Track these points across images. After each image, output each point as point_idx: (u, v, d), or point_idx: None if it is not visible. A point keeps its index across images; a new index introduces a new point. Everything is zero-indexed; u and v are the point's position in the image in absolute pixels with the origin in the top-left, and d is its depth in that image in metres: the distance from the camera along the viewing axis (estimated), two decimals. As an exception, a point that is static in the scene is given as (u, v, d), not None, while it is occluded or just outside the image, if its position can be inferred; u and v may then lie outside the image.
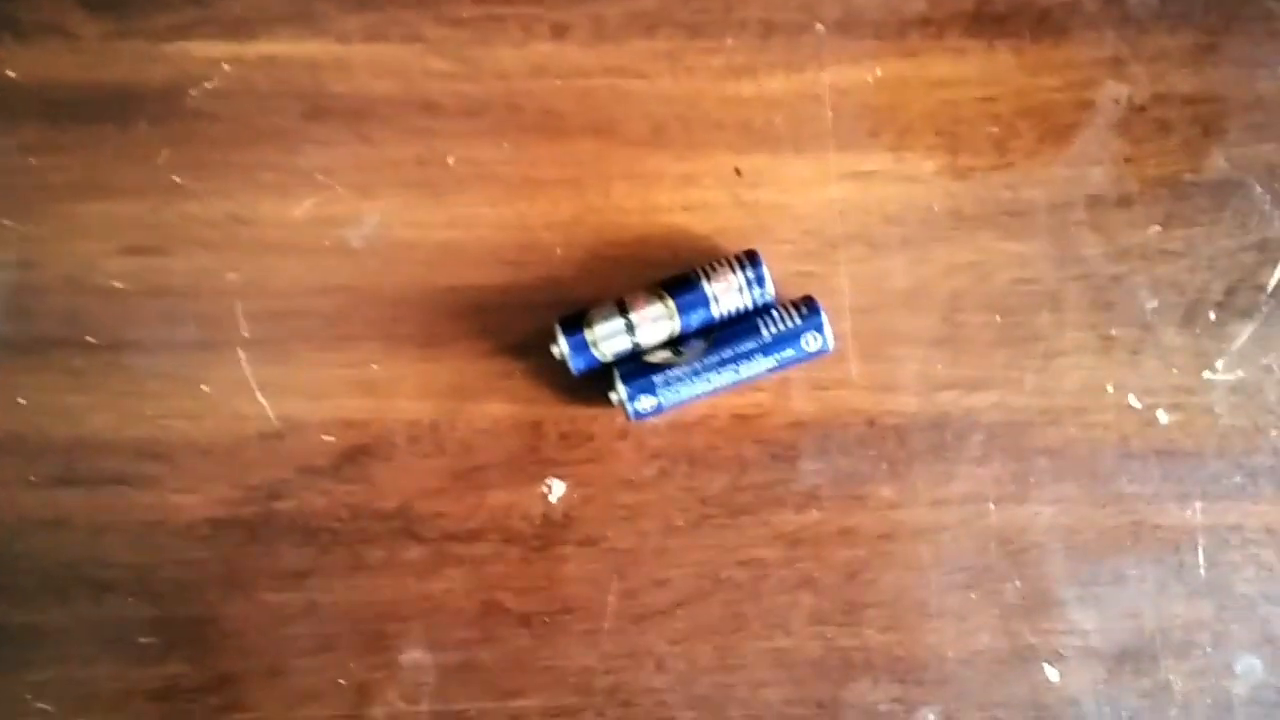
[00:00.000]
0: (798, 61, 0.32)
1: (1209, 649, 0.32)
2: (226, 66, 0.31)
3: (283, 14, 0.31)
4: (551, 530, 0.32)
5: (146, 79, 0.31)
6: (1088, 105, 0.32)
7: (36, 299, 0.31)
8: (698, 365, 0.30)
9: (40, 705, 0.31)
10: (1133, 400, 0.32)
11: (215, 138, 0.31)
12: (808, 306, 0.30)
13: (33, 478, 0.31)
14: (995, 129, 0.32)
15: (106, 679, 0.31)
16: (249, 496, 0.31)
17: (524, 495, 0.31)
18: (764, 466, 0.32)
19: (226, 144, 0.31)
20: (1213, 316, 0.32)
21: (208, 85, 0.31)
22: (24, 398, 0.31)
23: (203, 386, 0.31)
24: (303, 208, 0.31)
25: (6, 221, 0.30)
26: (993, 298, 0.32)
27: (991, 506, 0.32)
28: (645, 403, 0.30)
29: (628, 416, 0.30)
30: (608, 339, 0.30)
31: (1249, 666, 0.33)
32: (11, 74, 0.31)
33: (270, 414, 0.31)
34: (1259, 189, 0.32)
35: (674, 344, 0.30)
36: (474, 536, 0.31)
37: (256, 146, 0.31)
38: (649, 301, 0.30)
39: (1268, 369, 0.32)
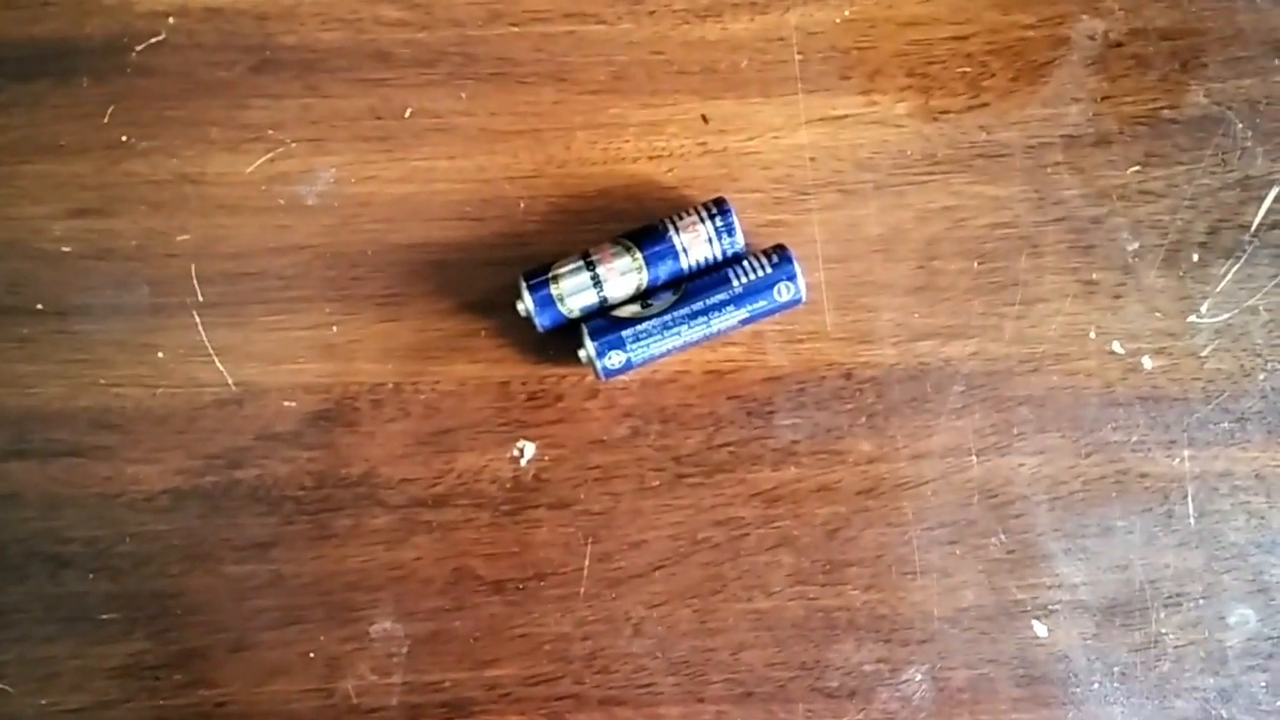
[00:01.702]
0: (763, 2, 0.31)
1: (1200, 600, 0.32)
2: (171, 19, 0.30)
3: (228, -38, 0.30)
4: (522, 494, 0.31)
5: (87, 33, 0.30)
6: (1062, 42, 0.32)
7: None
8: (668, 319, 0.29)
9: (3, 685, 0.30)
10: (1116, 346, 0.32)
11: (161, 93, 0.30)
12: (779, 255, 0.29)
13: (6, 450, 0.30)
14: (968, 68, 0.32)
15: (66, 657, 0.30)
16: (208, 466, 0.30)
17: (493, 458, 0.31)
18: (739, 423, 0.31)
19: (173, 100, 0.31)
20: (1196, 258, 0.32)
21: (152, 40, 0.30)
22: None
23: (157, 353, 0.30)
24: (254, 165, 0.30)
25: (-52, 185, 0.30)
26: (969, 244, 0.32)
27: (973, 459, 0.32)
28: (615, 359, 0.29)
29: (597, 374, 0.29)
30: (574, 294, 0.29)
31: (1242, 617, 0.32)
32: (-52, 32, 0.30)
33: (228, 380, 0.30)
34: (1240, 125, 0.32)
35: (642, 297, 0.29)
36: (442, 502, 0.31)
37: (204, 102, 0.30)
38: (615, 254, 0.29)
39: (1253, 310, 0.32)
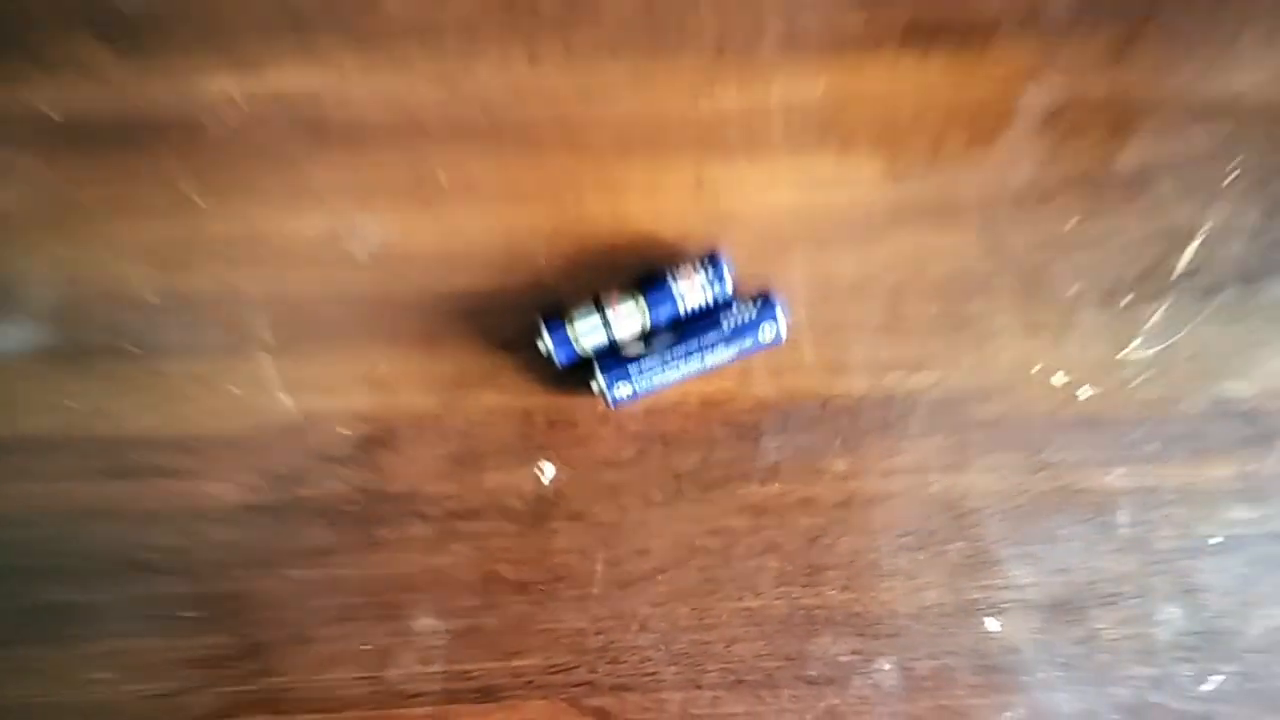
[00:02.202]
0: (748, 78, 0.35)
1: (1133, 600, 0.36)
2: (239, 99, 0.35)
3: (288, 50, 0.35)
4: (543, 507, 0.35)
5: (169, 111, 0.35)
6: (1010, 112, 0.36)
7: (79, 313, 0.34)
8: (667, 355, 0.33)
9: (99, 675, 0.34)
10: (1058, 378, 0.36)
11: (232, 163, 0.35)
12: (764, 300, 0.34)
13: (84, 473, 0.34)
14: (928, 135, 0.36)
15: (155, 650, 0.35)
16: (275, 484, 0.35)
17: (518, 477, 0.35)
18: (730, 445, 0.35)
19: (242, 168, 0.35)
20: (1127, 300, 0.36)
21: (223, 116, 0.35)
22: (72, 402, 0.34)
23: (231, 387, 0.34)
24: (312, 225, 0.35)
25: (51, 243, 0.34)
26: (930, 288, 0.36)
27: (935, 476, 0.36)
28: (622, 389, 0.33)
29: (607, 403, 0.34)
30: (587, 334, 0.33)
31: (1169, 615, 0.36)
32: (50, 112, 0.34)
33: (291, 410, 0.35)
34: (1167, 182, 0.36)
35: (646, 337, 0.34)
36: (474, 515, 0.35)
37: (269, 170, 0.35)
38: (622, 300, 0.34)
39: (1177, 346, 0.36)
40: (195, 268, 0.35)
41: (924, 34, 0.36)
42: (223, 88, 0.35)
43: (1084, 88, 0.36)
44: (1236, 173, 0.35)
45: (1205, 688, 0.36)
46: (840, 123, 0.36)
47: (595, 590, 0.35)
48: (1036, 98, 0.36)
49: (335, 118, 0.35)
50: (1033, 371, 0.36)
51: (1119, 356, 0.36)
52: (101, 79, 0.35)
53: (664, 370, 0.33)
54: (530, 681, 0.35)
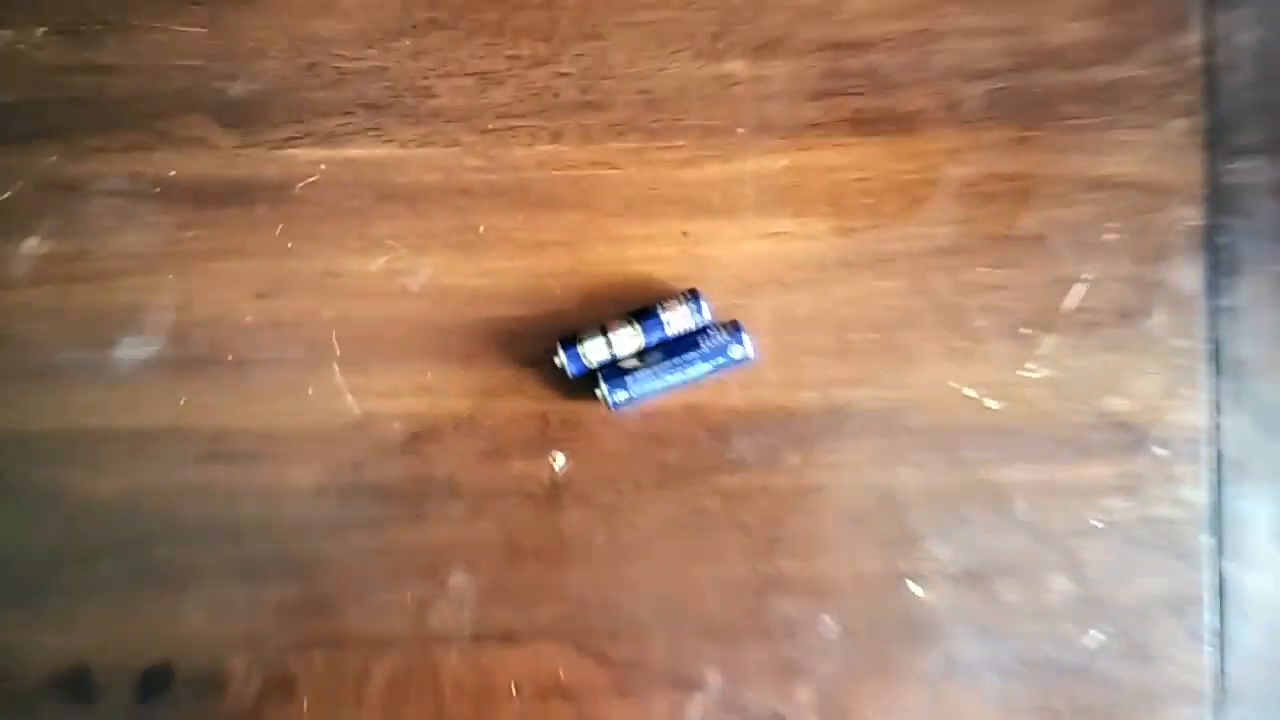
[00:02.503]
0: (727, 155, 0.43)
1: (1028, 571, 0.43)
2: (322, 165, 0.43)
3: (361, 129, 0.43)
4: (556, 490, 0.43)
5: (265, 175, 0.43)
6: (934, 182, 0.43)
7: (191, 331, 0.42)
8: (657, 369, 0.41)
9: (196, 617, 0.42)
10: (970, 392, 0.44)
11: (314, 215, 0.43)
12: (734, 328, 0.42)
13: (188, 458, 0.42)
14: (869, 200, 0.43)
15: (241, 597, 0.42)
16: (341, 469, 0.42)
17: (536, 465, 0.43)
18: (706, 443, 0.43)
19: (322, 219, 0.43)
20: (1026, 331, 0.44)
21: (309, 179, 0.43)
22: (183, 399, 0.43)
23: (308, 390, 0.42)
24: (376, 264, 0.43)
25: (169, 277, 0.43)
26: (869, 322, 0.43)
27: (870, 470, 0.42)
28: (620, 395, 0.42)
29: (608, 406, 0.42)
30: (593, 352, 0.41)
31: (1058, 583, 0.44)
32: (172, 173, 0.43)
33: (355, 410, 0.42)
34: (1057, 240, 0.44)
35: (640, 355, 0.42)
36: (500, 495, 0.42)
37: (343, 221, 0.43)
38: (622, 326, 0.41)
39: (1066, 368, 0.44)
40: (283, 296, 0.43)
41: (865, 123, 0.44)
42: (309, 156, 0.43)
43: (992, 166, 0.43)
44: (1111, 233, 0.44)
45: (1087, 643, 0.44)
46: (798, 190, 0.43)
47: (596, 557, 0.42)
48: (955, 173, 0.43)
49: (397, 181, 0.43)
50: (950, 386, 0.44)
51: (1019, 375, 0.44)
52: (213, 149, 0.43)
53: (654, 381, 0.41)
54: (543, 629, 0.42)
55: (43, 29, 0.43)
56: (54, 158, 0.43)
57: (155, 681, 0.42)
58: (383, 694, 0.42)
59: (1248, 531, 0.43)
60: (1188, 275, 0.44)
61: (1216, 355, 0.44)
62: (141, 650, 0.42)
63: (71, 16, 0.43)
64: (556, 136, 0.43)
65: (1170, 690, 0.43)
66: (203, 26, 0.43)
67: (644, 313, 0.42)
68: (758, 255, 0.44)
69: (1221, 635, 0.43)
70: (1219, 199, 0.44)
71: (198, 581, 0.42)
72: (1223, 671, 0.43)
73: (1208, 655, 0.43)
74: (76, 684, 0.42)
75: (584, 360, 0.41)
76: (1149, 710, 0.43)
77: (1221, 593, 0.43)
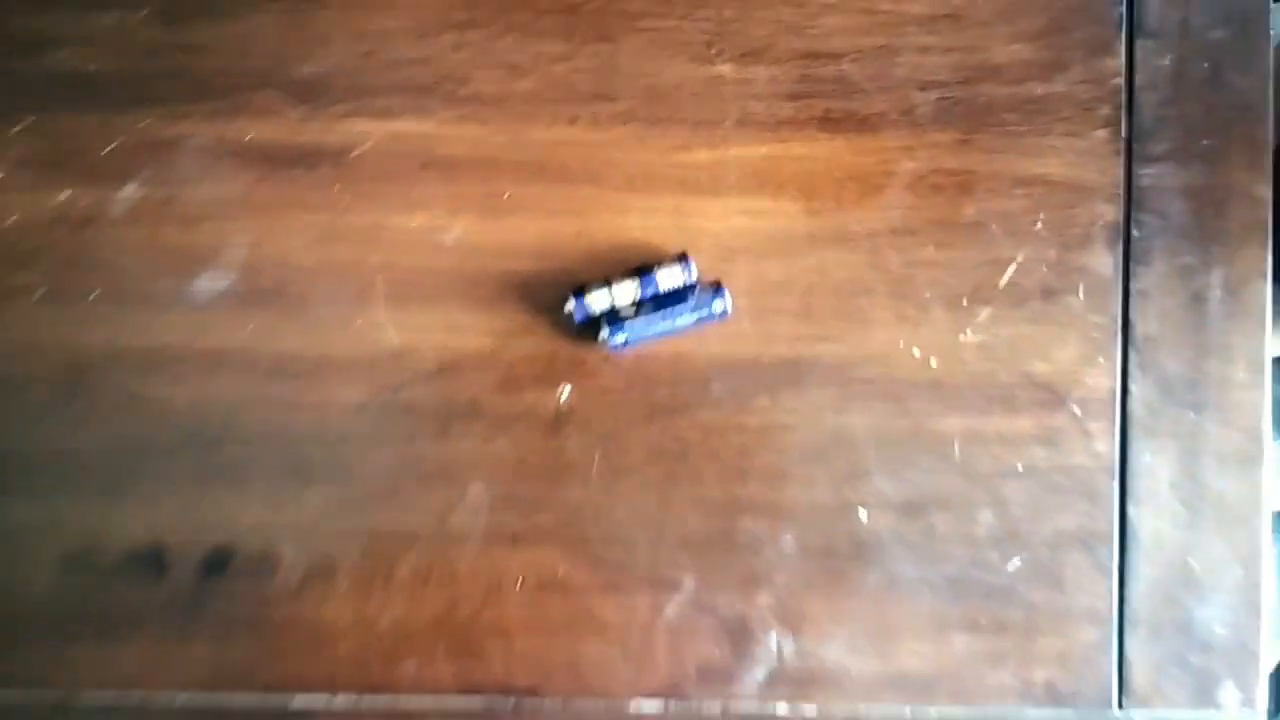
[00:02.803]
0: (714, 144, 0.50)
1: (960, 506, 0.51)
2: (373, 136, 0.51)
3: (408, 107, 0.51)
4: (561, 417, 0.49)
5: (327, 142, 0.51)
6: (891, 174, 0.50)
7: (259, 269, 0.49)
8: (650, 318, 0.49)
9: (257, 505, 0.50)
10: (915, 352, 0.50)
11: (366, 178, 0.50)
12: (716, 287, 0.49)
13: (254, 377, 0.49)
14: (834, 187, 0.50)
15: (293, 495, 0.48)
16: (380, 390, 0.49)
17: (545, 396, 0.49)
18: (690, 384, 0.49)
19: (372, 182, 0.50)
20: (964, 303, 0.50)
21: (362, 148, 0.51)
22: (250, 326, 0.49)
23: (356, 323, 0.49)
24: (416, 221, 0.51)
25: (243, 223, 0.50)
26: (831, 288, 0.49)
27: (828, 415, 0.49)
28: (619, 338, 0.48)
29: (608, 349, 0.49)
30: (597, 302, 0.48)
31: (984, 517, 0.51)
32: (249, 137, 0.51)
33: (395, 341, 0.49)
34: (994, 227, 0.51)
35: (637, 306, 0.49)
36: (515, 420, 0.49)
37: (389, 184, 0.50)
38: (622, 280, 0.48)
39: (998, 335, 0.51)
40: (337, 244, 0.50)
41: (833, 121, 0.51)
42: (363, 128, 0.50)
43: (940, 162, 0.50)
44: (1040, 223, 0.52)
45: (1007, 569, 0.51)
46: (774, 176, 0.50)
47: (593, 475, 0.48)
48: (908, 167, 0.50)
49: (436, 153, 0.50)
50: (899, 347, 0.49)
51: (958, 339, 0.49)
52: (284, 118, 0.51)
53: (647, 329, 0.48)
54: (547, 532, 0.48)
55: (145, 11, 0.51)
56: (150, 120, 0.50)
57: (217, 561, 0.49)
58: (407, 581, 0.49)
59: (1148, 481, 0.51)
60: (1104, 262, 0.50)
61: (1126, 331, 0.50)
62: (206, 534, 0.49)
63: (170, 2, 0.51)
64: (572, 121, 0.51)
65: (1079, 613, 0.49)
66: (282, 16, 0.51)
67: (641, 270, 0.48)
68: (738, 228, 0.50)
69: (1123, 568, 0.49)
70: (1133, 198, 0.51)
71: (256, 479, 0.49)
72: (1123, 599, 0.50)
73: (1111, 585, 0.50)
74: (150, 560, 0.49)
75: (589, 308, 0.48)
76: (1059, 629, 0.50)
77: (1124, 532, 0.50)
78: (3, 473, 0.49)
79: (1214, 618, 0.49)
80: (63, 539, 0.49)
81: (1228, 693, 0.50)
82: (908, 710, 0.50)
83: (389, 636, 0.49)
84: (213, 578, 0.49)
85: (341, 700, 0.49)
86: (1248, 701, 0.50)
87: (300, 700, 0.49)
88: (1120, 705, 0.50)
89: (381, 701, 0.49)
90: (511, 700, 0.49)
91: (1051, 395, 0.50)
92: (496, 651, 0.49)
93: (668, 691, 0.49)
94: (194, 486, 0.49)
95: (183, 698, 0.49)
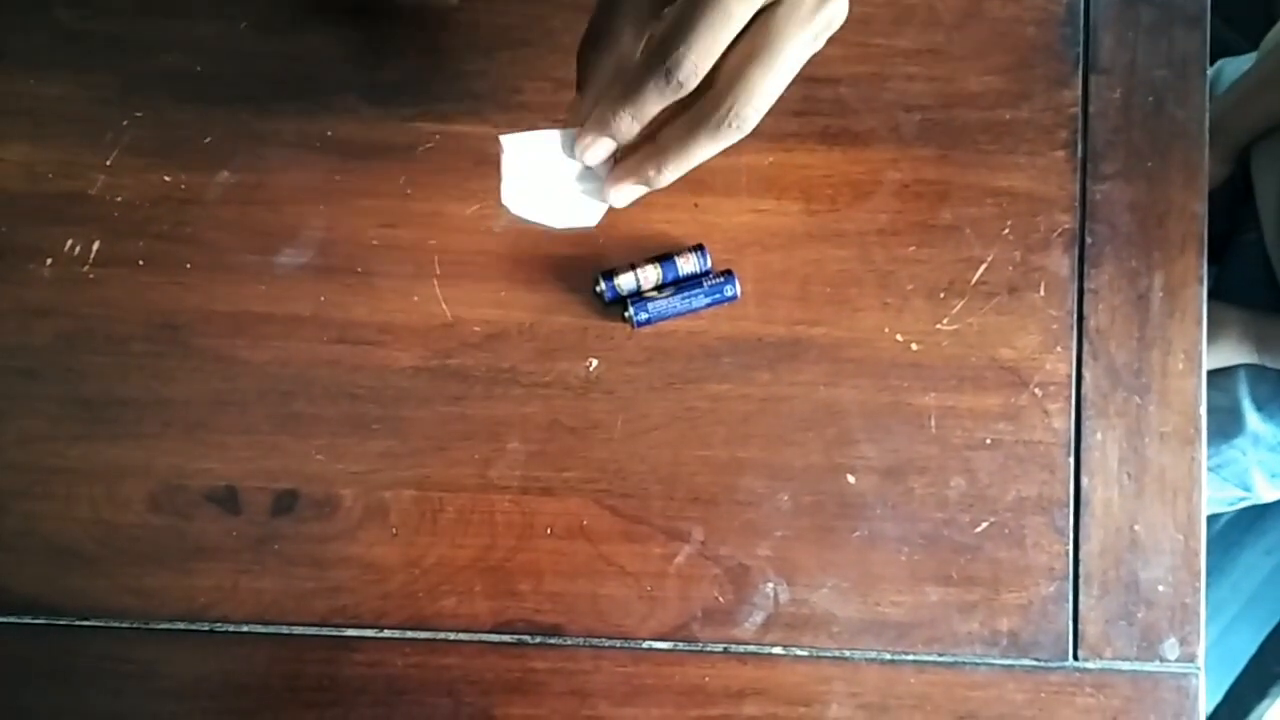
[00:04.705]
0: (728, 152, 0.58)
1: (934, 472, 0.57)
2: (436, 136, 0.59)
3: (467, 112, 0.59)
4: (589, 385, 0.55)
5: (396, 140, 0.59)
6: (879, 182, 0.57)
7: (333, 247, 0.56)
8: (670, 300, 0.57)
9: (319, 456, 0.57)
10: (898, 337, 0.58)
11: (428, 171, 0.58)
12: (727, 274, 0.57)
13: (321, 340, 0.56)
14: (830, 191, 0.57)
15: (354, 446, 0.55)
16: (433, 356, 0.54)
17: (576, 365, 0.56)
18: (702, 359, 0.55)
19: (434, 174, 0.58)
20: (941, 295, 0.59)
21: (427, 145, 0.59)
22: (323, 296, 0.57)
23: (414, 297, 0.57)
24: (470, 210, 0.58)
25: (321, 207, 0.58)
26: (827, 280, 0.57)
27: (821, 389, 0.55)
28: (642, 316, 0.56)
29: (632, 325, 0.57)
30: (624, 283, 0.56)
31: (956, 483, 0.58)
32: (329, 133, 0.58)
33: (447, 314, 0.57)
34: (967, 230, 0.60)
35: (659, 288, 0.57)
36: (548, 386, 0.54)
37: (448, 176, 0.58)
38: (646, 266, 0.57)
39: (970, 324, 0.59)
40: (400, 228, 0.57)
41: (830, 136, 0.59)
42: (428, 129, 0.57)
43: (921, 174, 0.57)
44: (1008, 229, 0.60)
45: (976, 529, 0.58)
46: (779, 180, 0.57)
47: (616, 436, 0.54)
48: (893, 176, 0.57)
49: (489, 152, 0.57)
50: (884, 332, 0.57)
51: (936, 327, 0.58)
52: (360, 118, 0.58)
53: (667, 308, 0.57)
54: (573, 487, 0.53)
55: (244, 23, 0.59)
56: (244, 115, 0.58)
57: (285, 502, 0.56)
58: (451, 525, 0.56)
59: (1098, 455, 0.58)
60: (1062, 264, 0.57)
61: (1080, 324, 0.56)
62: (276, 478, 0.55)
63: (266, 15, 0.59)
64: (607, 128, 0.58)
65: (1038, 569, 0.56)
66: (361, 31, 0.59)
67: (662, 257, 0.54)
68: (747, 224, 0.56)
69: (1076, 531, 0.56)
70: (1087, 210, 0.58)
71: (321, 430, 0.54)
72: (1076, 558, 0.57)
73: (1067, 546, 0.57)
74: (226, 499, 0.56)
75: (616, 289, 0.54)
76: (1021, 583, 0.56)
77: (1077, 499, 0.56)
78: (104, 415, 0.56)
79: (1156, 578, 0.55)
80: (150, 478, 0.56)
81: (1170, 646, 0.56)
82: (888, 654, 0.56)
83: (433, 575, 0.55)
84: (280, 518, 0.55)
85: (389, 632, 0.56)
86: (1186, 655, 0.57)
87: (352, 631, 0.56)
88: (1075, 656, 0.56)
89: (424, 634, 0.56)
90: (538, 637, 0.56)
91: (1016, 378, 0.56)
92: (527, 592, 0.55)
93: (676, 632, 0.55)
94: (267, 435, 0.55)
95: (247, 626, 0.55)
